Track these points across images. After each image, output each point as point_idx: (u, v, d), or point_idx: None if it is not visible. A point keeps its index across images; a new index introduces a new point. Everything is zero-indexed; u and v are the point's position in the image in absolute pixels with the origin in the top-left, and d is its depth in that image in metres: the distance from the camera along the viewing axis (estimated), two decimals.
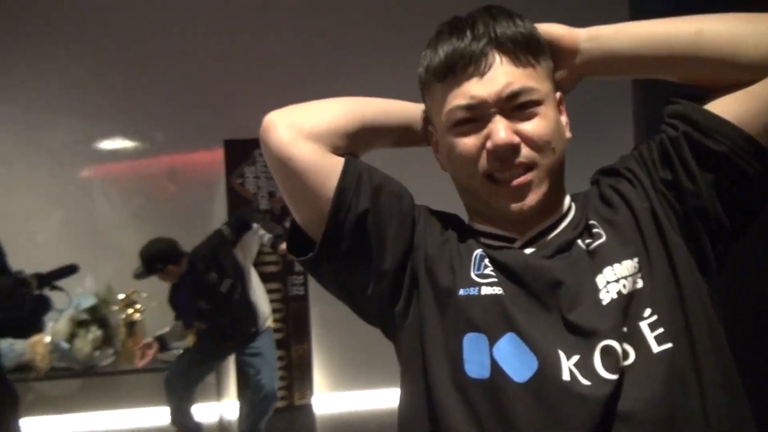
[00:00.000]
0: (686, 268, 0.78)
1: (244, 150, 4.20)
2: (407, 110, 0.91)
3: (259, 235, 3.24)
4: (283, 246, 3.10)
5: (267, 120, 0.82)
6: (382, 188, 0.83)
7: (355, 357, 4.17)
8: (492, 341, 0.75)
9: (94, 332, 3.68)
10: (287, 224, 2.60)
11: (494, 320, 0.76)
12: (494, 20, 0.78)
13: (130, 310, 3.86)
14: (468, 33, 0.78)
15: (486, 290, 0.78)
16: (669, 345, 0.73)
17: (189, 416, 3.48)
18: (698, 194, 0.78)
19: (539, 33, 0.81)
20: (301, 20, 4.39)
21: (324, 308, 4.19)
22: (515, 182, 0.77)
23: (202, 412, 3.95)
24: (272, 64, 4.33)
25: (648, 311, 0.75)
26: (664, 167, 0.80)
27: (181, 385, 3.39)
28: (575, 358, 0.72)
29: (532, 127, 0.77)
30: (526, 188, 0.78)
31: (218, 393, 3.99)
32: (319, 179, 0.80)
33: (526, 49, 0.78)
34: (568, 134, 0.84)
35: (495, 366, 0.74)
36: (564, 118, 0.85)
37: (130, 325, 3.86)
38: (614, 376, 0.70)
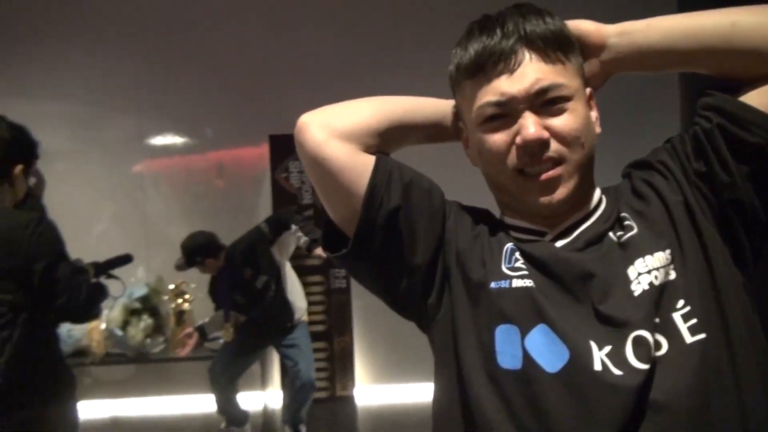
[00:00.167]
0: (721, 259, 0.78)
1: (289, 145, 4.16)
2: (437, 107, 0.92)
3: (297, 236, 3.31)
4: (318, 250, 3.17)
5: (301, 121, 0.85)
6: (413, 185, 0.85)
7: (397, 350, 4.20)
8: (524, 333, 0.76)
9: (146, 320, 3.83)
10: None
11: (525, 312, 0.77)
12: (524, 18, 0.79)
13: (180, 300, 3.99)
14: (498, 31, 0.79)
15: (517, 283, 0.79)
16: (702, 335, 0.73)
17: (234, 405, 3.58)
18: (733, 186, 0.77)
19: (569, 30, 0.82)
20: (346, 17, 4.44)
21: (366, 301, 4.23)
22: (544, 176, 0.78)
23: (247, 400, 4.06)
24: (316, 61, 4.39)
25: (681, 302, 0.75)
26: (698, 159, 0.80)
27: (223, 376, 3.49)
28: (607, 348, 0.73)
29: (561, 122, 0.78)
30: (555, 182, 0.79)
31: (263, 382, 4.09)
32: (352, 178, 0.82)
33: (556, 46, 0.79)
34: (597, 129, 0.85)
35: (527, 357, 0.75)
36: (594, 114, 0.85)
37: (180, 314, 3.99)
38: (646, 366, 0.71)
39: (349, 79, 4.23)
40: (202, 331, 3.52)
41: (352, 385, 4.35)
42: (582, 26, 0.84)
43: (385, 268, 0.86)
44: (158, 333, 3.92)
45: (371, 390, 4.39)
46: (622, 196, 0.86)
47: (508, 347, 0.76)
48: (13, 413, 1.73)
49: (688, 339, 0.73)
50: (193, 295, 3.97)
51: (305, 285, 4.14)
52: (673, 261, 0.77)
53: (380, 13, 4.41)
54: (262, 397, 4.10)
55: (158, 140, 4.57)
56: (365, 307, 4.27)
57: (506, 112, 0.79)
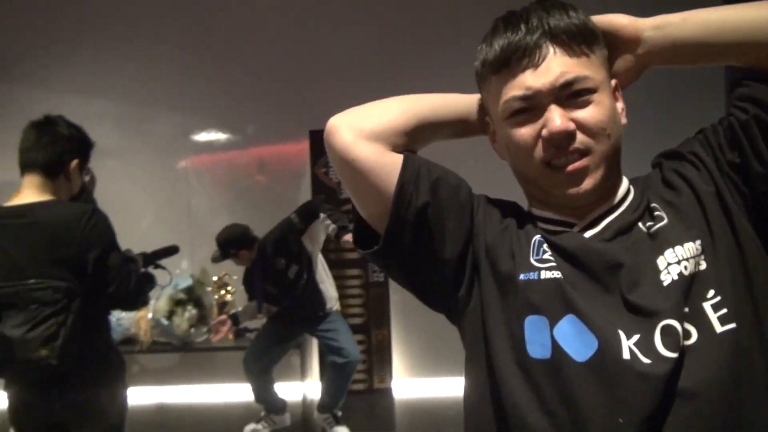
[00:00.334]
0: (754, 250, 0.78)
1: None
2: (462, 103, 0.93)
3: (325, 224, 3.33)
4: (346, 237, 3.19)
5: (330, 124, 0.87)
6: (440, 181, 0.86)
7: (434, 343, 4.21)
8: (552, 323, 0.77)
9: (190, 311, 3.94)
10: None
11: (554, 303, 0.78)
12: (547, 13, 0.80)
13: (222, 292, 4.10)
14: (522, 26, 0.80)
15: (545, 274, 0.80)
16: (733, 325, 0.73)
17: (271, 393, 3.66)
18: None
19: (593, 23, 0.82)
20: (385, 14, 4.46)
21: (403, 295, 4.19)
22: (571, 168, 0.79)
23: (287, 391, 4.15)
24: (355, 58, 4.43)
25: (712, 292, 0.75)
26: (733, 150, 0.80)
27: (257, 366, 3.56)
28: (636, 337, 0.73)
29: (586, 114, 0.78)
30: (582, 173, 0.79)
31: (302, 373, 4.16)
32: (381, 177, 0.84)
33: (580, 39, 0.79)
34: (623, 120, 0.85)
35: (556, 346, 0.76)
36: (620, 105, 0.85)
37: (222, 305, 4.10)
38: (674, 355, 0.71)
39: (388, 74, 4.26)
40: (235, 319, 3.58)
41: (390, 377, 4.39)
42: (616, 20, 0.84)
43: (415, 263, 0.87)
44: (202, 323, 4.02)
45: (408, 383, 4.41)
46: (652, 186, 0.86)
47: (537, 337, 0.78)
48: (67, 394, 1.83)
49: (719, 329, 0.73)
50: (235, 287, 4.07)
51: (343, 278, 4.19)
52: (703, 251, 0.77)
53: (418, 8, 4.41)
54: (302, 387, 4.17)
55: (202, 137, 4.67)
56: (403, 300, 4.29)
57: (532, 106, 0.80)
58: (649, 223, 0.81)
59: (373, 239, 0.88)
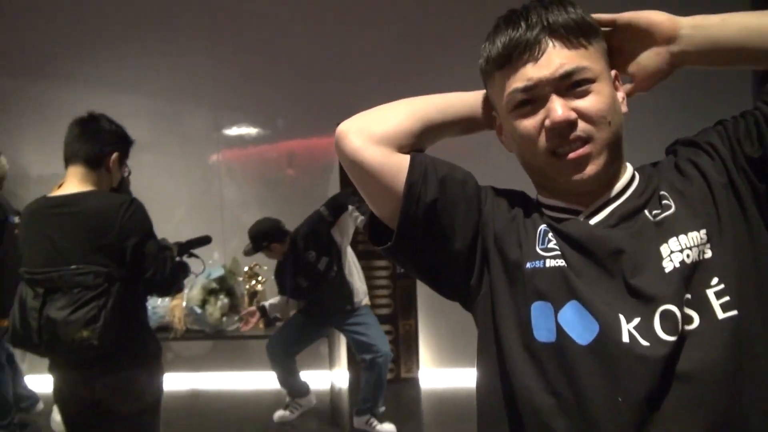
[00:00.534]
0: (763, 240, 0.80)
1: None
2: (466, 102, 0.96)
3: (354, 216, 3.36)
4: None
5: (339, 130, 0.91)
6: (447, 178, 0.89)
7: (461, 334, 4.22)
8: (557, 308, 0.80)
9: (222, 300, 4.04)
10: None
11: (558, 290, 0.81)
12: (546, 9, 0.83)
13: (253, 281, 4.20)
14: (522, 23, 0.83)
15: (550, 263, 0.83)
16: (734, 312, 0.76)
17: (295, 378, 3.74)
18: None
19: (591, 17, 0.85)
20: (412, 10, 4.49)
21: None
22: (574, 155, 0.81)
23: (315, 379, 4.23)
24: (382, 53, 4.48)
25: (716, 280, 0.77)
26: (753, 144, 0.81)
27: (281, 355, 3.64)
28: (636, 320, 0.76)
29: (587, 103, 0.81)
30: (584, 160, 0.81)
31: (330, 362, 4.24)
32: (390, 178, 0.88)
33: (578, 33, 0.82)
34: (624, 109, 0.87)
35: (560, 331, 0.79)
36: (620, 94, 0.88)
37: (253, 294, 4.20)
38: (672, 338, 0.74)
39: (414, 69, 4.30)
40: (263, 310, 3.64)
41: (417, 367, 4.45)
42: (653, 16, 0.86)
43: (428, 256, 0.91)
44: (233, 312, 4.12)
45: (435, 373, 4.46)
46: (664, 173, 0.88)
47: (543, 322, 0.81)
48: (107, 375, 1.92)
49: (720, 315, 0.76)
50: (265, 277, 4.16)
51: (371, 269, 4.25)
52: (709, 240, 0.79)
53: (445, 4, 4.44)
54: (330, 376, 4.25)
55: (233, 131, 4.75)
56: (430, 291, 4.15)
57: (534, 97, 0.83)
58: (655, 211, 0.83)
59: (386, 235, 0.92)
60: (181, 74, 4.65)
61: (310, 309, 3.62)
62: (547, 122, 0.82)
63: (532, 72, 0.82)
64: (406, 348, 4.43)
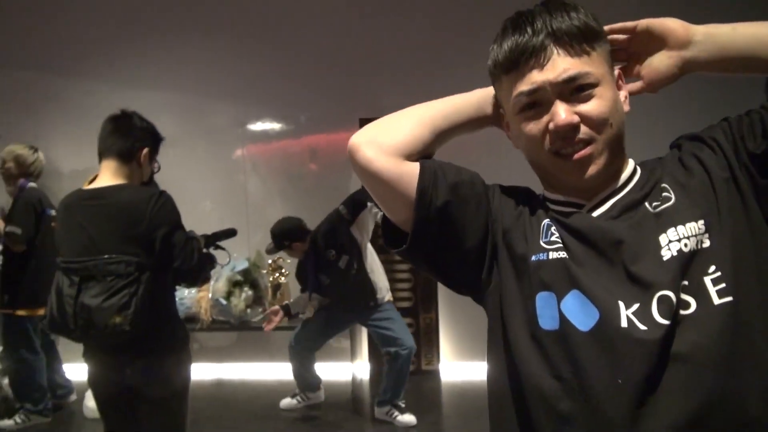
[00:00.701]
0: (762, 232, 0.84)
1: None
2: (470, 103, 1.01)
3: (373, 213, 3.41)
4: None
5: (351, 143, 0.96)
6: (455, 180, 0.94)
7: (481, 328, 4.19)
8: (559, 298, 0.85)
9: (247, 292, 4.13)
10: None
11: (560, 280, 0.86)
12: (551, 15, 0.87)
13: (277, 274, 4.28)
14: (528, 29, 0.87)
15: (553, 255, 0.88)
16: (729, 298, 0.79)
17: (309, 373, 3.82)
18: None
19: (594, 21, 0.88)
20: (434, 4, 4.52)
21: None
22: (577, 156, 0.86)
23: (337, 371, 4.30)
24: (402, 48, 4.52)
25: (713, 268, 0.81)
26: (755, 140, 0.84)
27: (302, 350, 3.72)
28: (635, 306, 0.80)
29: (589, 107, 0.85)
30: (587, 160, 0.86)
31: (351, 355, 4.31)
32: (402, 186, 0.93)
33: (581, 39, 0.86)
34: (626, 107, 0.91)
35: (563, 318, 0.84)
36: (623, 93, 0.92)
37: (277, 287, 4.28)
38: (667, 322, 0.78)
39: (436, 63, 4.33)
40: (286, 309, 3.70)
41: (437, 360, 4.50)
42: (668, 23, 0.91)
43: (441, 255, 0.96)
44: (257, 304, 4.21)
45: (455, 366, 4.51)
46: (667, 166, 0.91)
47: (547, 311, 0.86)
48: (137, 360, 2.01)
49: (716, 301, 0.80)
50: (288, 270, 4.23)
51: (392, 263, 4.29)
52: (708, 231, 0.83)
53: (467, 2, 4.45)
54: (351, 368, 4.32)
55: (257, 126, 4.83)
56: None
57: (539, 101, 0.87)
58: (655, 203, 0.87)
59: (401, 238, 0.97)
60: (207, 70, 4.74)
61: (333, 306, 3.67)
62: (551, 125, 0.86)
63: (537, 77, 0.86)
64: (426, 341, 4.48)
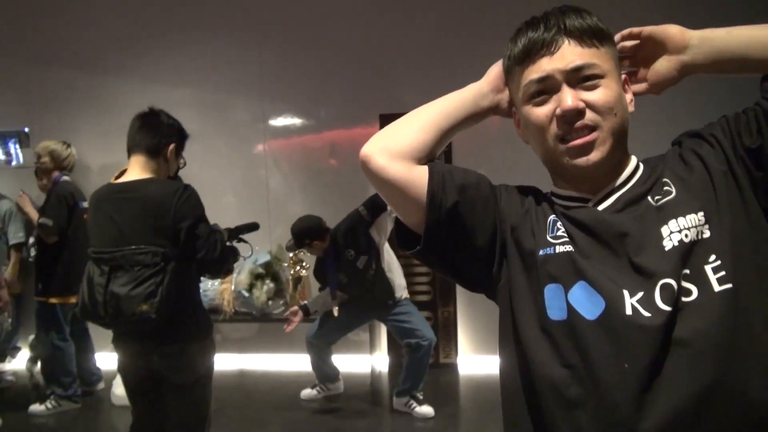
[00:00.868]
0: (760, 223, 0.88)
1: None
2: (467, 99, 1.06)
3: (392, 217, 3.42)
4: None
5: (363, 153, 1.00)
6: (463, 182, 0.99)
7: (498, 322, 4.29)
8: (567, 289, 0.89)
9: (268, 285, 4.22)
10: None
11: (567, 272, 0.90)
12: (564, 15, 0.93)
13: (298, 267, 4.35)
14: (541, 26, 0.94)
15: (559, 249, 0.92)
16: (729, 285, 0.83)
17: (327, 365, 3.89)
18: None
19: (604, 26, 0.95)
20: (452, 4, 4.54)
21: None
22: (581, 141, 0.90)
23: (356, 363, 4.36)
24: (423, 44, 4.54)
25: (713, 257, 0.85)
26: (752, 136, 0.89)
27: (319, 345, 3.79)
28: (639, 294, 0.84)
29: (595, 95, 0.90)
30: (590, 146, 0.91)
31: (371, 347, 4.37)
32: (413, 190, 0.98)
33: (590, 34, 0.92)
34: (631, 108, 0.97)
35: (571, 309, 0.88)
36: (629, 96, 0.98)
37: (297, 280, 4.36)
38: (669, 308, 0.82)
39: (455, 60, 4.34)
40: (305, 309, 3.75)
41: (455, 353, 4.54)
42: (669, 29, 0.97)
43: (453, 255, 1.01)
44: (279, 296, 4.29)
45: (473, 359, 4.54)
46: (669, 162, 0.96)
47: (555, 302, 0.90)
48: (163, 346, 2.10)
49: (716, 288, 0.84)
50: (309, 263, 4.28)
51: (411, 258, 4.32)
52: (707, 222, 0.87)
53: None
54: (370, 360, 4.39)
55: (279, 122, 4.87)
56: None
57: (548, 88, 0.93)
58: (657, 197, 0.92)
59: (414, 240, 1.02)
60: (229, 67, 4.81)
61: (352, 303, 3.73)
62: (558, 110, 0.91)
63: (547, 65, 0.92)
64: (444, 334, 4.52)
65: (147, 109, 2.21)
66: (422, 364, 3.62)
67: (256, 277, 4.20)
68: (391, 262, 3.73)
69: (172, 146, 2.19)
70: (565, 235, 0.94)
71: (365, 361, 4.41)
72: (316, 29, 4.70)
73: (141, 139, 2.14)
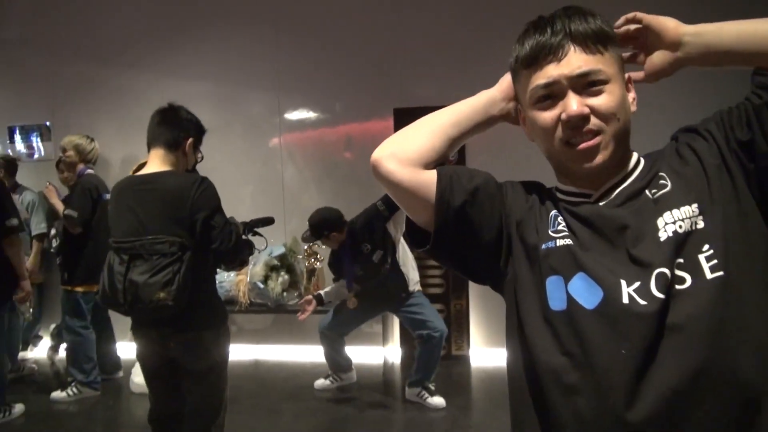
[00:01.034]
0: (755, 216, 0.91)
1: (412, 118, 4.31)
2: (476, 108, 1.09)
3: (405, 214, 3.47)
4: None
5: (373, 158, 1.05)
6: (470, 183, 1.03)
7: None
8: (566, 280, 0.93)
9: (283, 276, 4.28)
10: None
11: (567, 264, 0.94)
12: (569, 19, 0.96)
13: (312, 260, 4.41)
14: (548, 29, 0.96)
15: (560, 242, 0.96)
16: (721, 273, 0.86)
17: (340, 355, 3.95)
18: None
19: (609, 27, 0.97)
20: (465, 1, 4.57)
21: None
22: (585, 145, 0.94)
23: (369, 355, 4.41)
24: (437, 39, 4.57)
25: (707, 246, 0.88)
26: (743, 129, 0.92)
27: (332, 336, 3.85)
28: (636, 284, 0.88)
29: (599, 101, 0.93)
30: (594, 150, 0.94)
31: (383, 339, 4.42)
32: (422, 192, 1.03)
33: (595, 40, 0.94)
34: (633, 108, 1.00)
35: (570, 299, 0.92)
36: (632, 96, 1.00)
37: (312, 272, 4.41)
38: (662, 295, 0.86)
39: (469, 55, 4.36)
40: (319, 299, 3.79)
41: (467, 345, 4.58)
42: (664, 22, 0.99)
43: (462, 252, 1.06)
44: (293, 288, 4.35)
45: (485, 352, 4.58)
46: (666, 157, 0.99)
47: (556, 293, 0.94)
48: (179, 333, 2.16)
49: (709, 276, 0.87)
50: (323, 256, 4.34)
51: None
52: (701, 213, 0.90)
53: None
54: (383, 351, 4.44)
55: (294, 116, 4.92)
56: None
57: (553, 93, 0.96)
58: (654, 190, 0.95)
59: (425, 238, 1.06)
60: (245, 61, 4.87)
61: (366, 295, 3.77)
62: (563, 115, 0.94)
63: (553, 71, 0.95)
64: (457, 327, 4.56)
65: (166, 105, 2.28)
66: (434, 356, 3.66)
67: (271, 269, 4.26)
68: (406, 256, 3.78)
69: (190, 140, 2.25)
70: (566, 229, 0.97)
71: (378, 352, 4.47)
72: (332, 24, 4.74)
73: (160, 133, 2.21)
